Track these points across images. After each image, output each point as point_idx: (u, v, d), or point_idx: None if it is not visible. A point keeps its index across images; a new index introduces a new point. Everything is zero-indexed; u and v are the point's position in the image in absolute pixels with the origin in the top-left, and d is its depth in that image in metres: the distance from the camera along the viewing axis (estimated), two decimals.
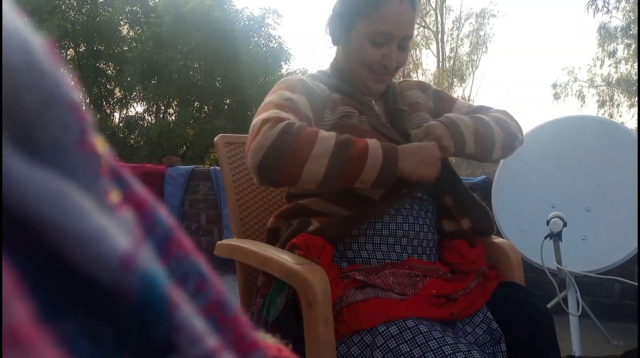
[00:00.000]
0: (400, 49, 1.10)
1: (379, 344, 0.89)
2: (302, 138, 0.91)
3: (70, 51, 13.13)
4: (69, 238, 0.14)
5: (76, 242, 0.14)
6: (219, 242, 1.25)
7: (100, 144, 0.16)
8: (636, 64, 18.21)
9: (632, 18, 16.94)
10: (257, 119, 0.98)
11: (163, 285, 0.17)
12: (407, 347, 0.86)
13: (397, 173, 0.95)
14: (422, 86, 1.28)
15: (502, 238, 1.54)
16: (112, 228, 0.15)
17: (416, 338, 0.87)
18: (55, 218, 0.14)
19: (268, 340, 0.30)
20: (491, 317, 1.00)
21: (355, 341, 0.92)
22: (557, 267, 1.93)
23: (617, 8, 16.24)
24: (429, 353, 0.84)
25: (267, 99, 1.08)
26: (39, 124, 0.14)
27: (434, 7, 22.11)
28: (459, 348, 0.84)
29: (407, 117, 1.17)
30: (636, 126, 17.94)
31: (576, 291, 1.92)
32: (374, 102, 1.17)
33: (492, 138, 1.09)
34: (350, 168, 0.93)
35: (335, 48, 1.20)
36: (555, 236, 1.88)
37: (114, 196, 0.16)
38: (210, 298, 0.20)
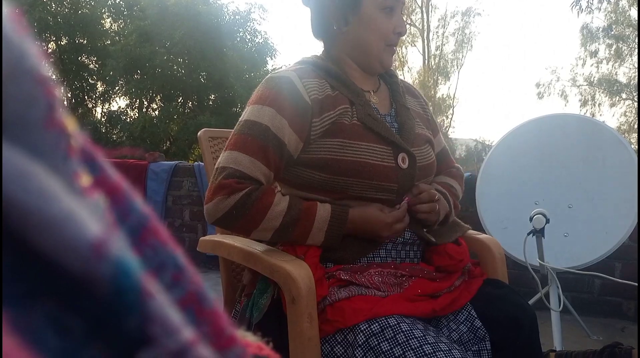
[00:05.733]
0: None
1: (360, 342, 0.88)
2: (250, 215, 0.98)
3: (52, 44, 12.90)
4: (34, 221, 0.13)
5: (42, 225, 0.13)
6: (201, 238, 1.23)
7: (70, 122, 0.15)
8: (617, 63, 18.50)
9: (613, 19, 17.21)
10: (219, 166, 1.01)
11: (136, 273, 0.16)
12: (387, 345, 0.86)
13: (340, 240, 1.02)
14: (424, 103, 1.27)
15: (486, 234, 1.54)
16: (82, 212, 0.14)
17: (397, 336, 0.86)
18: (19, 199, 0.13)
19: (249, 338, 0.29)
20: (475, 315, 1.00)
21: (339, 340, 0.92)
22: (540, 263, 1.95)
23: (599, 9, 16.49)
24: (409, 352, 0.84)
25: (247, 113, 1.04)
26: (2, 98, 0.13)
27: (420, 5, 22.22)
28: (439, 348, 0.84)
29: (413, 119, 1.15)
30: (618, 125, 18.24)
31: (558, 287, 1.95)
32: (372, 92, 1.14)
33: (446, 219, 1.19)
34: (294, 240, 1.01)
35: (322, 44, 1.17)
36: (538, 233, 1.90)
37: (85, 179, 0.15)
38: (187, 290, 0.19)
